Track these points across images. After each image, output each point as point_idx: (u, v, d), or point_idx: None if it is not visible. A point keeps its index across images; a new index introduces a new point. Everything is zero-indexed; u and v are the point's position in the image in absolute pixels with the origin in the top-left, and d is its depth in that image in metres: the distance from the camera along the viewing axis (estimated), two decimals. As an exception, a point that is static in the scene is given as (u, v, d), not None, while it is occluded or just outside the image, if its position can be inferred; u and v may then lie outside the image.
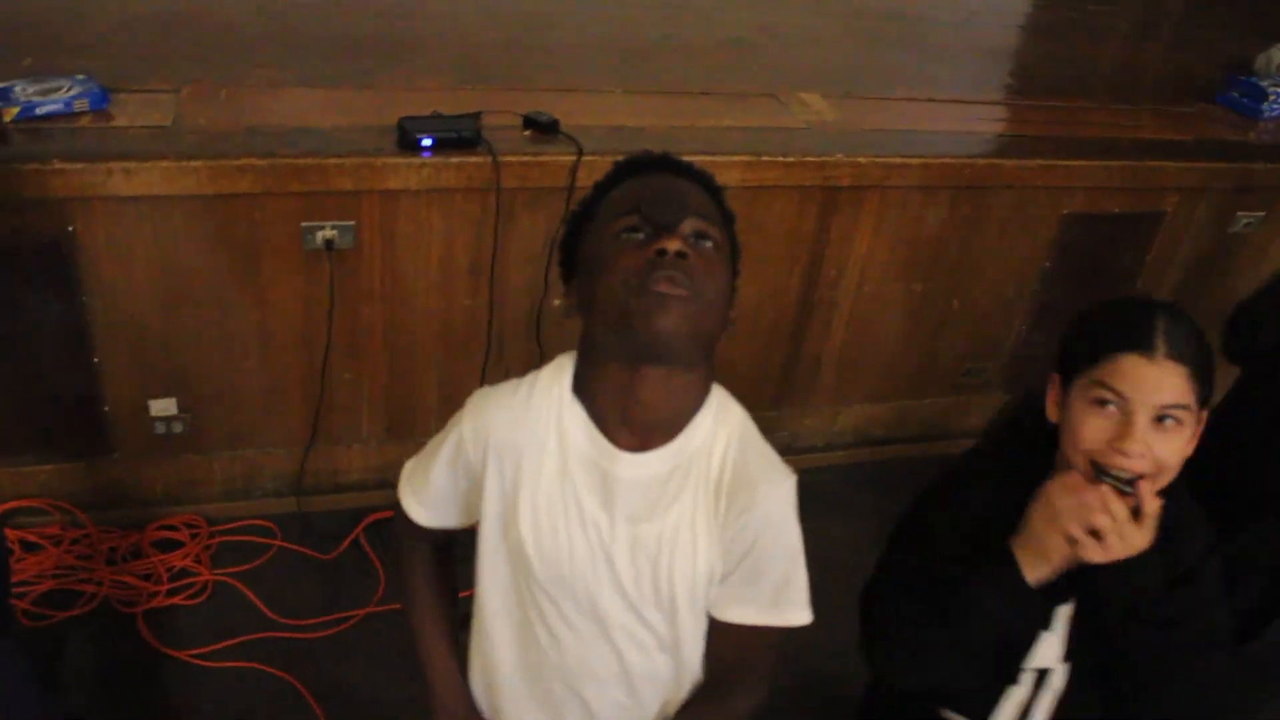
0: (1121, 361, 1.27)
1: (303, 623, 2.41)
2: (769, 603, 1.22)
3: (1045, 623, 1.38)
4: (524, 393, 1.21)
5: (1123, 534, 1.26)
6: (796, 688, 2.34)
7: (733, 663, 1.28)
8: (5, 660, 1.83)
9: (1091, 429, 1.29)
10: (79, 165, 2.20)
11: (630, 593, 1.20)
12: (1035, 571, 1.30)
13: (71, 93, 2.36)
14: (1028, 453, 1.41)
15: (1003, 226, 2.99)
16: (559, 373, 1.21)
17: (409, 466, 1.34)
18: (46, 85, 2.36)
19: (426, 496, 1.31)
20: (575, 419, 1.18)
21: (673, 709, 1.32)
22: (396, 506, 1.35)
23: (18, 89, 2.32)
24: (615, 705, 1.30)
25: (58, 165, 2.18)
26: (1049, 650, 1.40)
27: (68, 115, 2.35)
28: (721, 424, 1.19)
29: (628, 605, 1.21)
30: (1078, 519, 1.26)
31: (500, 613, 1.28)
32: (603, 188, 1.20)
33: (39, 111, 2.31)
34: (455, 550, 1.41)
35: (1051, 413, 1.37)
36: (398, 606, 2.44)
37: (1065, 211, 3.01)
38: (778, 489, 1.19)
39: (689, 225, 1.10)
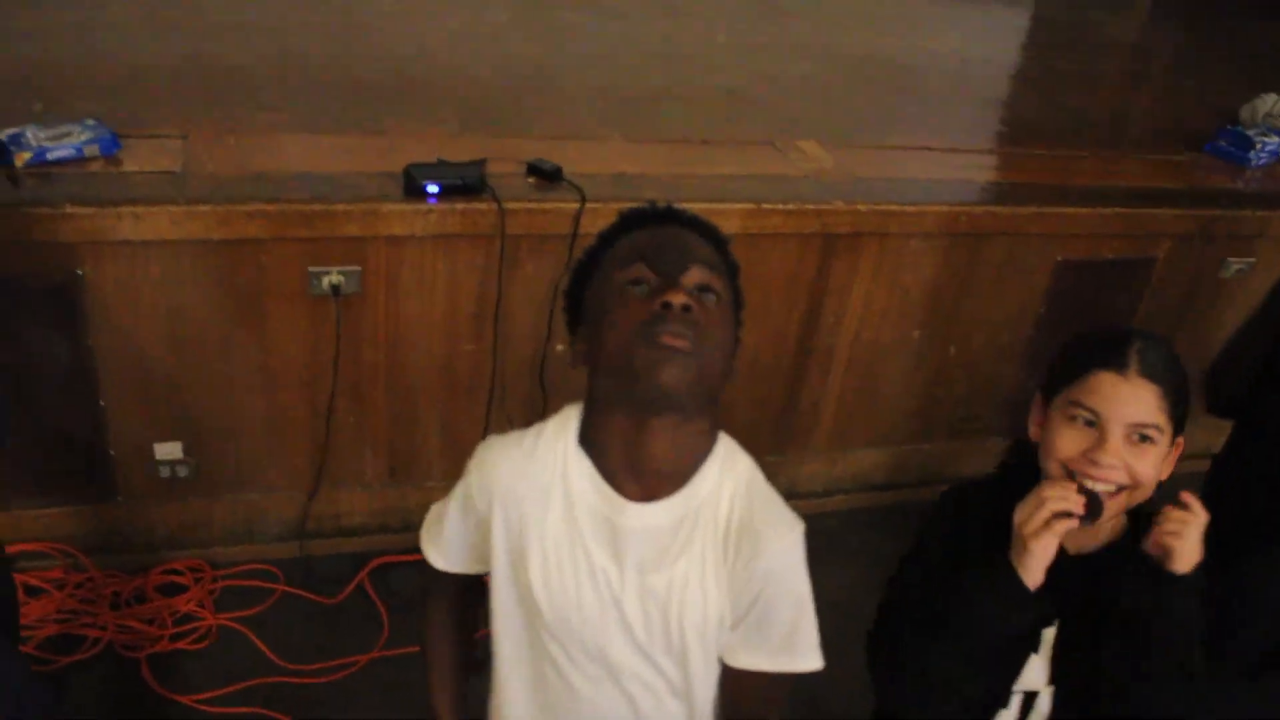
0: (1096, 379, 1.32)
1: (307, 667, 2.40)
2: (779, 649, 1.23)
3: (1034, 644, 1.40)
4: (529, 443, 1.23)
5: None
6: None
7: (745, 707, 1.30)
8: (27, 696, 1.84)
9: (1066, 440, 1.33)
10: (89, 210, 2.23)
11: (641, 639, 1.21)
12: (1030, 573, 1.31)
13: (82, 138, 2.39)
14: (1022, 473, 1.44)
15: (998, 273, 3.03)
16: (565, 424, 1.22)
17: (431, 513, 1.36)
18: (57, 131, 2.39)
19: (443, 543, 1.33)
20: (581, 471, 1.19)
21: None
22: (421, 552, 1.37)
23: (29, 134, 2.35)
24: None
25: (68, 209, 2.21)
26: (1036, 673, 1.42)
27: (78, 160, 2.37)
28: (729, 473, 1.20)
29: (638, 651, 1.22)
30: (1059, 503, 1.30)
31: (514, 657, 1.29)
32: (608, 238, 1.22)
33: (50, 156, 2.34)
34: (478, 594, 1.41)
35: (1033, 431, 1.41)
36: (402, 651, 2.45)
37: (1059, 258, 3.05)
38: (785, 538, 1.20)
39: (694, 277, 1.12)
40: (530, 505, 1.20)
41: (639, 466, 1.16)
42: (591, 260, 1.22)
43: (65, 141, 2.37)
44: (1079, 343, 1.40)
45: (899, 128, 3.44)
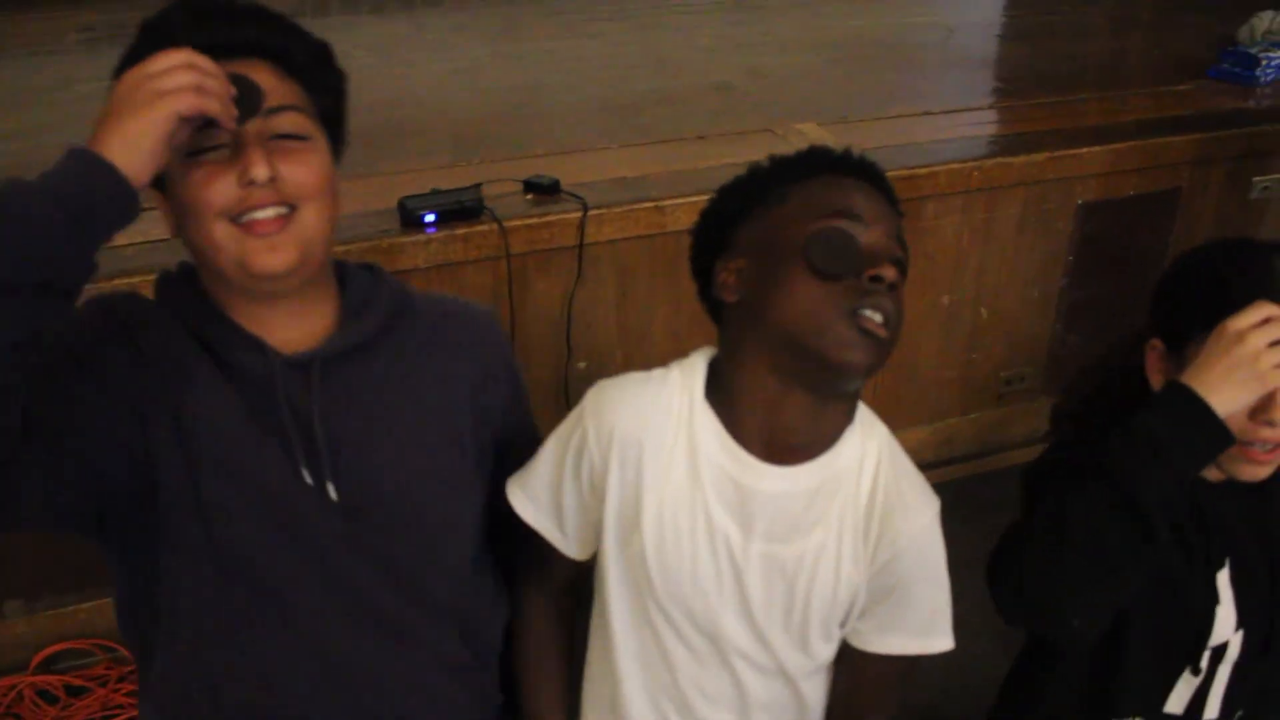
0: None
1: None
2: (918, 631, 1.14)
3: (1213, 595, 1.28)
4: (653, 389, 1.11)
5: None
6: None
7: (870, 692, 1.20)
8: None
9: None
10: (89, 288, 2.16)
11: (758, 616, 1.10)
12: (1234, 400, 1.11)
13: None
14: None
15: (1020, 225, 2.94)
16: (692, 373, 1.12)
17: (527, 483, 1.19)
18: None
19: (557, 510, 1.17)
20: (707, 426, 1.08)
21: None
22: (528, 539, 1.20)
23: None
24: None
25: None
26: (1225, 623, 1.28)
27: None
28: (870, 442, 1.11)
29: (751, 629, 1.11)
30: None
31: (623, 628, 1.16)
32: (787, 171, 1.10)
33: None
34: (579, 597, 1.29)
35: (1156, 382, 1.26)
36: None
37: (1080, 201, 2.96)
38: (928, 512, 1.12)
39: (893, 249, 1.03)
40: (650, 459, 1.08)
41: (775, 433, 1.06)
42: (759, 187, 1.10)
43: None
44: (1209, 273, 1.21)
45: (896, 99, 3.36)
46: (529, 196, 2.56)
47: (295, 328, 1.10)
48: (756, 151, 2.85)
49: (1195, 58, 3.69)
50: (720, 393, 1.10)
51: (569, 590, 1.28)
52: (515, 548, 1.24)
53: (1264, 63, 3.42)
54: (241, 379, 1.06)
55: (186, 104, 0.92)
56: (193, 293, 1.10)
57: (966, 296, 2.98)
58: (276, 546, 1.05)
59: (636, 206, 2.52)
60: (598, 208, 2.48)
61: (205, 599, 1.06)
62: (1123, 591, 1.17)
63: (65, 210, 0.87)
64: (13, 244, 0.85)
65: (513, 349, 1.30)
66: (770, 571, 1.09)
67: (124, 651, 2.46)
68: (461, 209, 2.41)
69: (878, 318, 0.99)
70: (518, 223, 2.43)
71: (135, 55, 1.02)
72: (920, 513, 1.11)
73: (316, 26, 1.13)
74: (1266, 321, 1.11)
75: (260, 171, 0.99)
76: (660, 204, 2.52)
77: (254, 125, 1.01)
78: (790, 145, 2.86)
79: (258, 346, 1.07)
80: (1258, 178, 3.14)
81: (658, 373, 1.13)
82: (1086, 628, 1.19)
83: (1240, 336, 1.10)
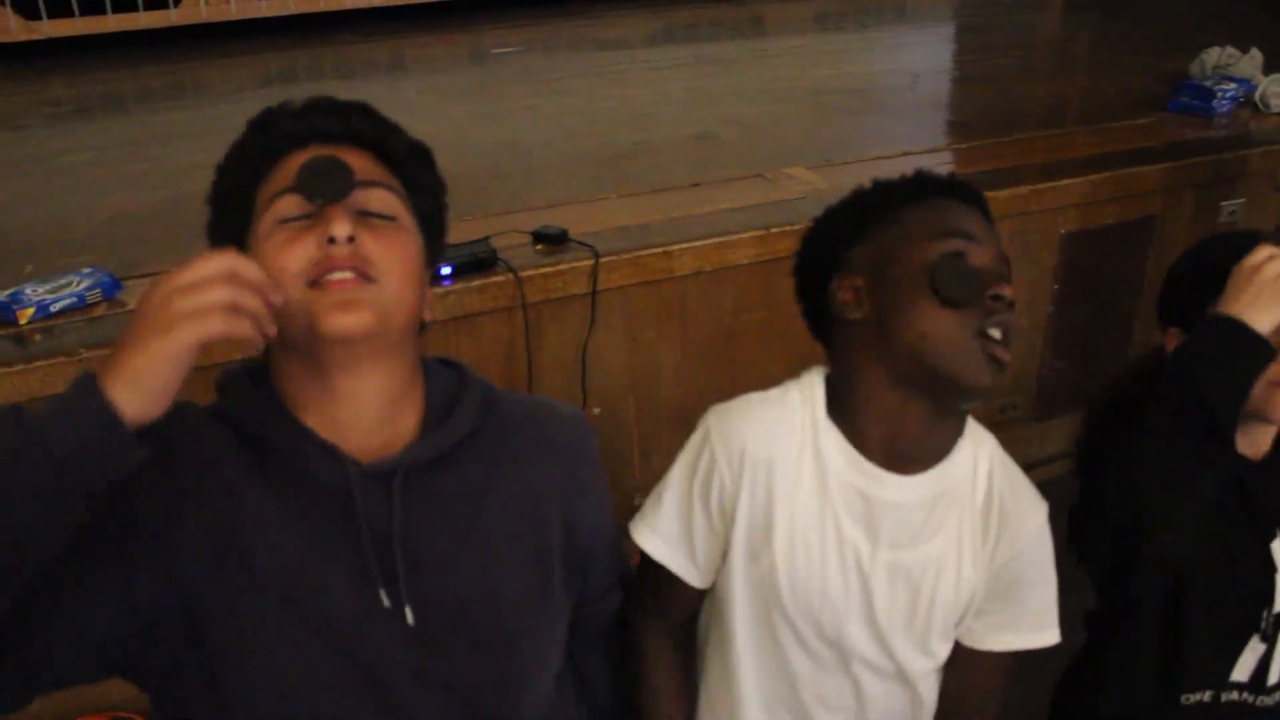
0: None
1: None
2: (1030, 626, 1.20)
3: (1270, 563, 1.34)
4: (774, 408, 1.15)
5: None
6: None
7: (980, 690, 1.24)
8: None
9: None
10: (105, 351, 2.15)
11: (881, 621, 1.14)
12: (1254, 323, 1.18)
13: (82, 286, 2.33)
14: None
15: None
16: (810, 391, 1.16)
17: (646, 526, 1.20)
18: (56, 283, 2.33)
19: (693, 548, 1.18)
20: (832, 441, 1.13)
21: None
22: (646, 577, 1.21)
23: (29, 291, 2.28)
24: None
25: (85, 355, 2.14)
26: None
27: (83, 307, 2.31)
28: (981, 450, 1.17)
29: (875, 635, 1.15)
30: None
31: (746, 645, 1.19)
32: (899, 196, 1.15)
33: (54, 309, 2.27)
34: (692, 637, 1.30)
35: None
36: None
37: (1063, 231, 3.06)
38: (1040, 514, 1.18)
39: (1004, 267, 1.10)
40: (779, 476, 1.12)
41: (897, 444, 1.11)
42: (871, 209, 1.15)
43: (66, 291, 2.31)
44: (1211, 261, 1.31)
45: (874, 142, 3.47)
46: (539, 247, 2.59)
47: (375, 434, 0.99)
48: (751, 196, 2.96)
49: (1151, 93, 3.86)
50: (840, 407, 1.14)
51: (688, 624, 1.29)
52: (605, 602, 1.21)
53: (1219, 95, 3.58)
54: (309, 491, 0.95)
55: (212, 329, 0.81)
56: (259, 393, 0.99)
57: (959, 328, 3.05)
58: (343, 684, 0.94)
59: (644, 253, 2.57)
60: (608, 254, 2.52)
61: None
62: (1198, 501, 1.21)
63: (53, 471, 0.78)
64: None
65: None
66: (895, 578, 1.13)
67: (143, 724, 2.41)
68: (475, 261, 2.44)
69: (998, 334, 1.04)
70: (531, 272, 2.46)
71: (240, 151, 1.00)
72: (1034, 514, 1.17)
73: (285, 95, 1.10)
74: (1271, 258, 1.21)
75: (341, 229, 0.91)
76: (668, 249, 2.57)
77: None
78: (782, 189, 2.97)
79: (331, 454, 0.96)
80: (1225, 202, 3.28)
81: (775, 392, 1.17)
82: (1170, 547, 1.23)
83: (1256, 268, 1.20)
